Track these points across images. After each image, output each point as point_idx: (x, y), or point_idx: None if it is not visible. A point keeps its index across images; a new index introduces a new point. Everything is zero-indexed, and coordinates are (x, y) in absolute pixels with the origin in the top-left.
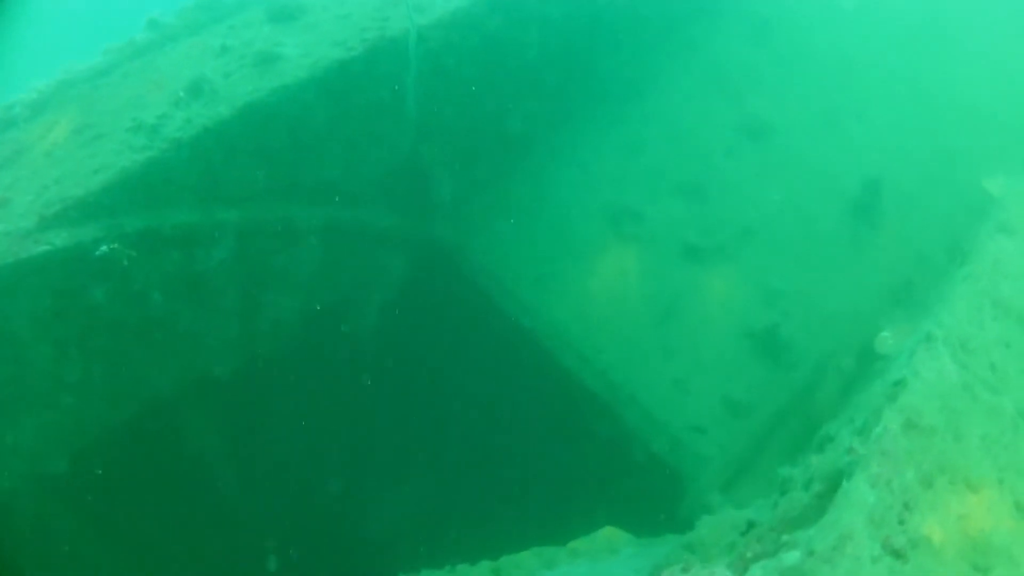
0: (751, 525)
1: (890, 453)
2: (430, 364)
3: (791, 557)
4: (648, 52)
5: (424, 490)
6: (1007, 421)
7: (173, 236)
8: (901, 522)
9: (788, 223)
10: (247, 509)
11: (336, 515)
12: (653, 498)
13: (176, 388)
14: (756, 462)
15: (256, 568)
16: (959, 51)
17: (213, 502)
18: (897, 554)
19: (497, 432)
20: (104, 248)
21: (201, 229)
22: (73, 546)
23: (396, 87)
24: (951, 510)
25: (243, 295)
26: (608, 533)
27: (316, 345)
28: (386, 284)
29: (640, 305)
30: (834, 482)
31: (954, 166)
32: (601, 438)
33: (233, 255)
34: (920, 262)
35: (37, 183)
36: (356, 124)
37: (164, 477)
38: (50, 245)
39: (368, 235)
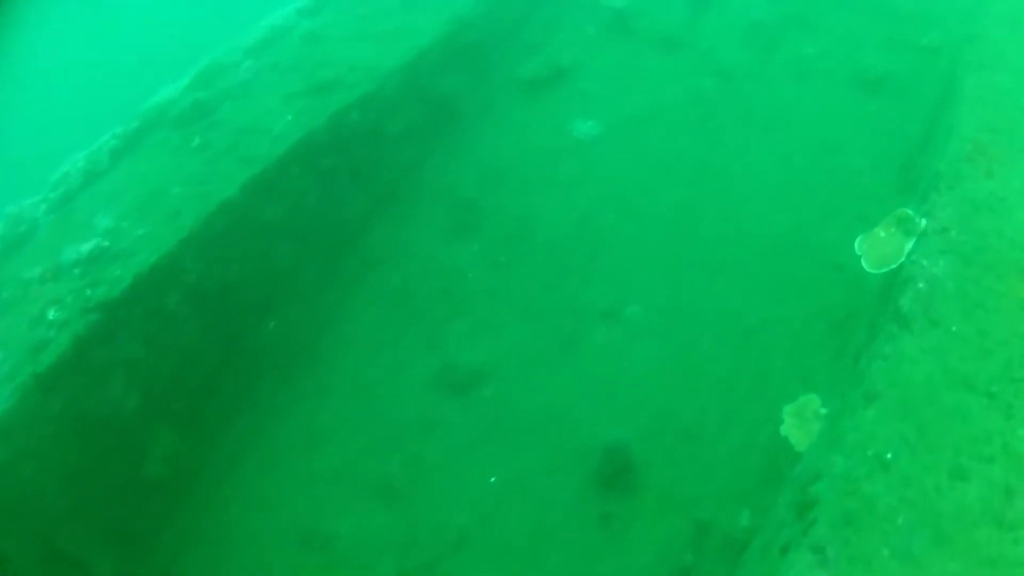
0: None
1: None
2: None
3: None
4: (317, 291)
5: None
6: None
7: None
8: None
9: (513, 514)
10: None
11: None
12: None
13: None
14: None
15: None
16: (735, 190)
17: None
18: None
19: None
20: None
21: None
22: None
23: None
24: None
25: None
26: None
27: None
28: None
29: None
30: None
31: (744, 384)
32: None
33: None
34: (698, 535)
35: None
36: None
37: None
38: None
39: None
